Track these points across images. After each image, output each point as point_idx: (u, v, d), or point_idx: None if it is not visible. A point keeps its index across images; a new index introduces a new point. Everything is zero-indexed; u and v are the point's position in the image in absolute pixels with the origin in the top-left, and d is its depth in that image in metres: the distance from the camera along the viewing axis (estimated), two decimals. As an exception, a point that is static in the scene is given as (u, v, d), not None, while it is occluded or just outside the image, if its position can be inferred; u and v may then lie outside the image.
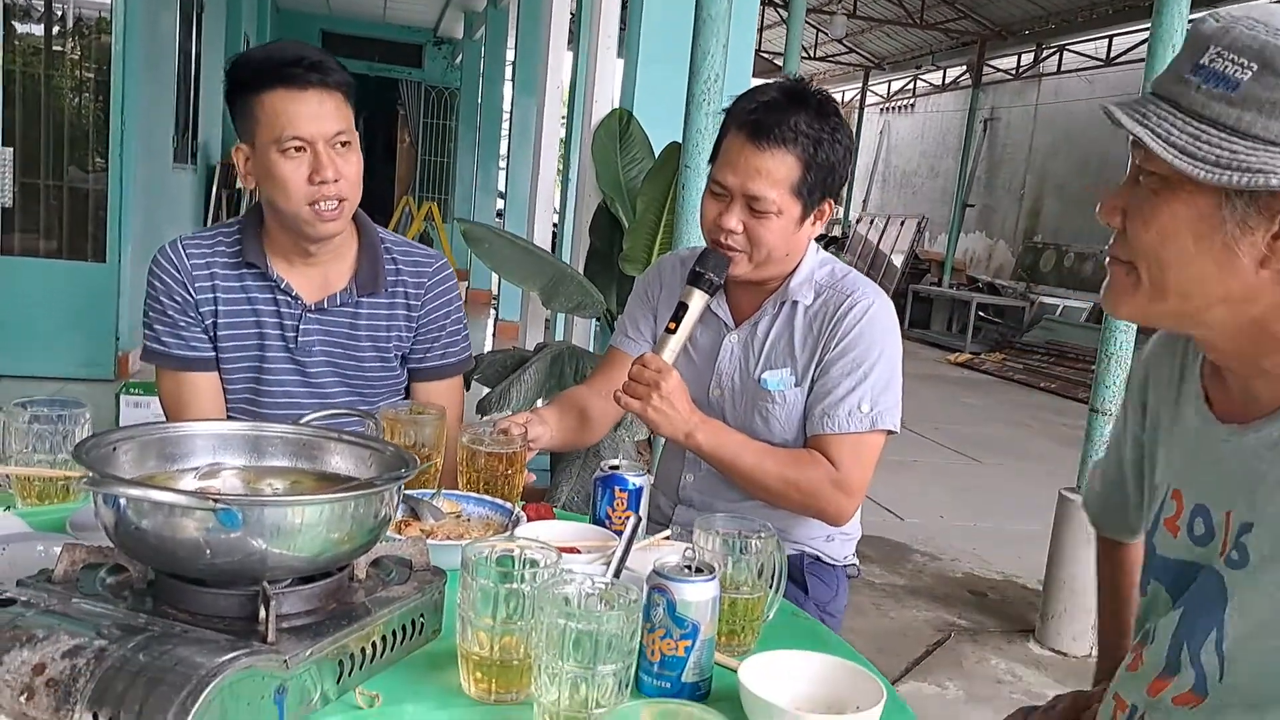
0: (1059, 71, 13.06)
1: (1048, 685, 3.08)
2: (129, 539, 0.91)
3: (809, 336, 1.63)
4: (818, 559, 1.73)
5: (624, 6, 4.04)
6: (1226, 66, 0.82)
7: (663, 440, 2.70)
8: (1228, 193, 0.83)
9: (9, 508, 1.29)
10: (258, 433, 1.09)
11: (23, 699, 0.78)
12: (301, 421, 1.16)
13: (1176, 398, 1.04)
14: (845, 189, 1.71)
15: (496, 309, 8.94)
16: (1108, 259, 0.95)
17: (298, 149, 1.58)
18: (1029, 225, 13.27)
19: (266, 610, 0.87)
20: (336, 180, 1.59)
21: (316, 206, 1.59)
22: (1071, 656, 3.26)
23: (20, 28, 5.32)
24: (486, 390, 3.34)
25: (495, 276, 9.02)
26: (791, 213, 1.56)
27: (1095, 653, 1.41)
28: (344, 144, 1.62)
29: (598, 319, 3.78)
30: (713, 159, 1.63)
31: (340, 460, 1.09)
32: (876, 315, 1.61)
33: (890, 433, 1.61)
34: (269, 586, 0.89)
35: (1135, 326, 3.17)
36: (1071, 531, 3.27)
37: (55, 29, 5.40)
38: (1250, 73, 0.81)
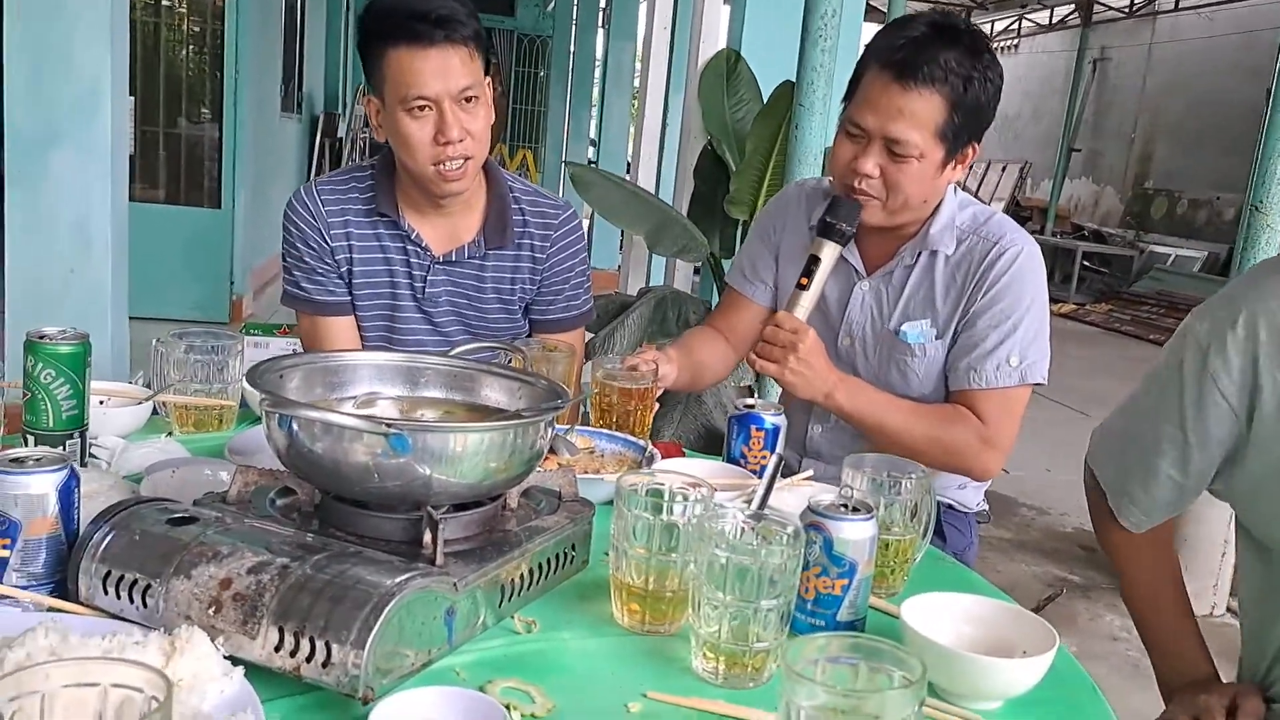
0: (1176, 9, 12.39)
1: (1165, 642, 3.00)
2: (300, 461, 0.93)
3: (952, 287, 1.54)
4: (950, 507, 1.69)
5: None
6: None
7: (770, 385, 2.67)
8: None
9: (170, 434, 1.34)
10: (413, 363, 1.10)
11: (211, 611, 0.81)
12: (453, 353, 1.17)
13: None
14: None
15: (588, 255, 8.96)
16: None
17: (422, 108, 1.55)
18: (1139, 171, 12.72)
19: (435, 534, 0.88)
20: (462, 139, 1.56)
21: (441, 167, 1.57)
22: (1189, 614, 3.17)
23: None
24: (590, 336, 3.36)
25: (588, 224, 9.02)
26: (933, 157, 1.46)
27: (1153, 659, 1.34)
28: (470, 99, 1.58)
29: (701, 263, 3.74)
30: (847, 98, 1.53)
31: (491, 392, 1.10)
32: (1026, 262, 1.52)
33: (1037, 385, 1.55)
34: (434, 511, 0.90)
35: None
36: (1193, 487, 3.16)
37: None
38: None
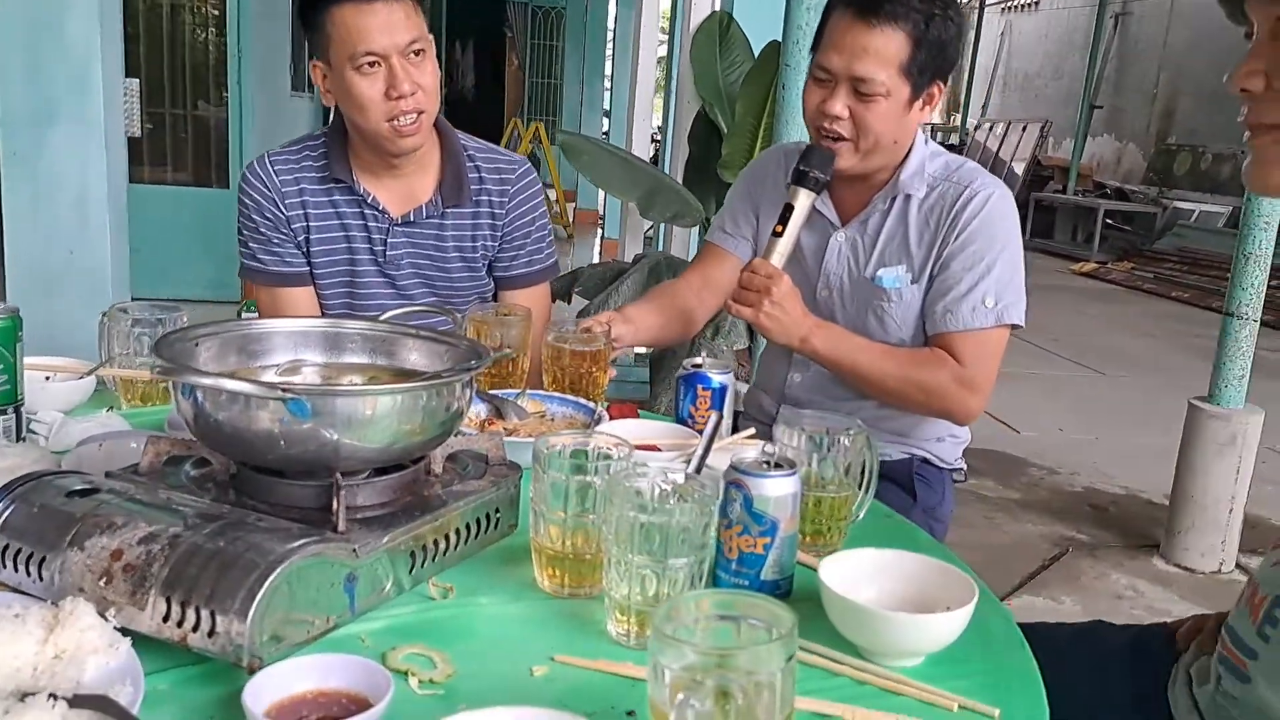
0: (1201, -42, 12.08)
1: (1172, 601, 2.96)
2: (208, 431, 0.92)
3: (925, 231, 1.56)
4: (926, 460, 1.68)
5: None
6: None
7: (763, 343, 2.65)
8: None
9: (111, 408, 1.33)
10: (336, 329, 1.09)
11: (101, 583, 0.80)
12: (382, 318, 1.15)
13: None
14: (954, 71, 1.61)
15: (603, 228, 8.94)
16: (1247, 136, 0.88)
17: (372, 64, 1.55)
18: (1162, 127, 12.46)
19: (337, 500, 0.87)
20: (414, 93, 1.57)
21: (395, 123, 1.57)
22: (1199, 573, 3.12)
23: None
24: (586, 303, 3.34)
25: (601, 196, 8.99)
26: (900, 94, 1.48)
27: None
28: (418, 52, 1.58)
29: (696, 228, 3.71)
30: (814, 47, 1.55)
31: (416, 355, 1.08)
32: (997, 205, 1.53)
33: (1015, 327, 1.54)
34: (340, 477, 0.89)
35: (1276, 226, 2.93)
36: (1202, 444, 3.10)
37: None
38: None
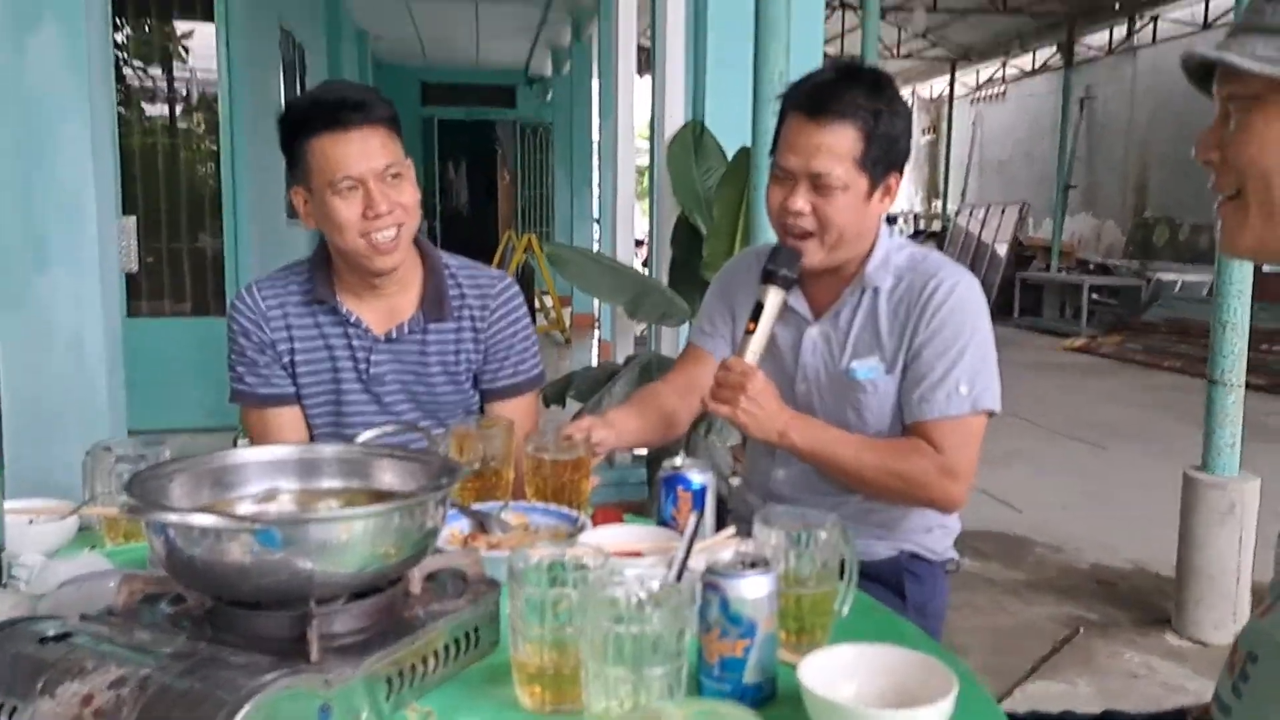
0: (1155, 42, 12.52)
1: (1187, 677, 2.90)
2: (180, 567, 0.92)
3: (895, 321, 1.58)
4: (916, 555, 1.66)
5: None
6: None
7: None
8: None
9: (94, 547, 1.33)
10: (310, 455, 1.10)
11: (76, 728, 0.79)
12: (358, 440, 1.17)
13: None
14: (907, 172, 1.67)
15: (599, 331, 9.04)
16: (1216, 205, 0.94)
17: (350, 188, 1.61)
18: (1137, 201, 12.71)
19: (310, 629, 0.87)
20: (391, 211, 1.62)
21: (371, 238, 1.63)
22: (1213, 646, 3.06)
23: (136, 104, 5.65)
24: (580, 405, 3.35)
25: (595, 300, 9.10)
26: (858, 187, 1.53)
27: None
28: (395, 176, 1.64)
29: (684, 325, 3.76)
30: (773, 149, 1.60)
31: (390, 476, 1.09)
32: (964, 294, 1.56)
33: (991, 413, 1.55)
34: (314, 606, 0.89)
35: (1249, 293, 2.98)
36: (1201, 513, 3.08)
37: (168, 103, 5.73)
38: None
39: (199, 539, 0.89)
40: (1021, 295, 11.92)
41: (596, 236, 11.42)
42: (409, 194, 1.67)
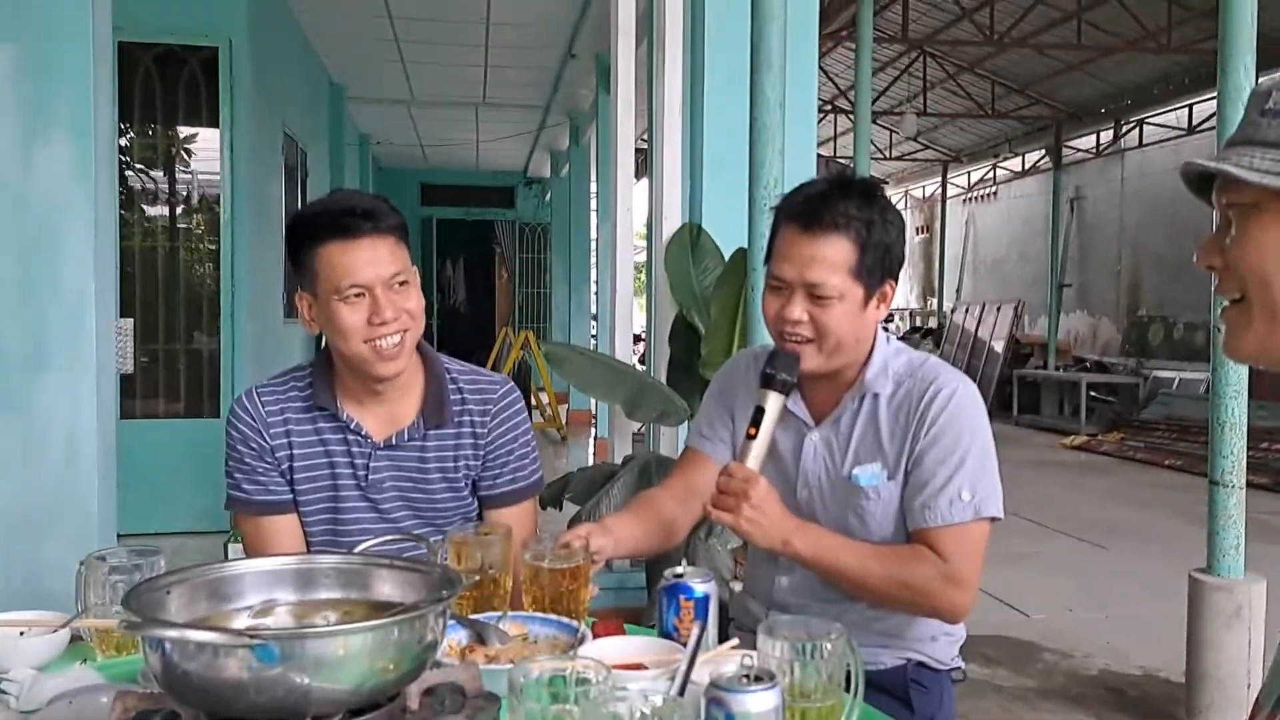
0: (1141, 145, 12.85)
1: (1203, 789, 2.81)
2: (175, 682, 0.90)
3: (896, 427, 1.58)
4: (922, 664, 1.64)
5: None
6: None
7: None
8: None
9: (86, 660, 1.31)
10: (308, 565, 1.09)
11: None
12: (356, 550, 1.16)
13: None
14: (903, 270, 1.69)
15: (596, 427, 9.04)
16: (1220, 310, 0.97)
17: (357, 295, 1.62)
18: (1131, 300, 12.86)
19: (306, 748, 0.85)
20: (396, 318, 1.63)
21: (375, 344, 1.63)
22: (1227, 755, 2.99)
23: (137, 206, 5.74)
24: (578, 509, 3.32)
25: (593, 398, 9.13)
26: (854, 296, 1.54)
27: None
28: (402, 283, 1.66)
29: (683, 425, 3.76)
30: (768, 258, 1.62)
31: (389, 586, 1.08)
32: (963, 400, 1.56)
33: (994, 519, 1.54)
34: (313, 723, 0.87)
35: (1246, 392, 2.99)
36: (1208, 617, 3.04)
37: (169, 205, 5.83)
38: None
39: (195, 654, 0.88)
40: (1020, 393, 11.95)
41: (593, 333, 11.52)
42: (415, 301, 1.68)
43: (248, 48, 5.68)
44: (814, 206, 1.53)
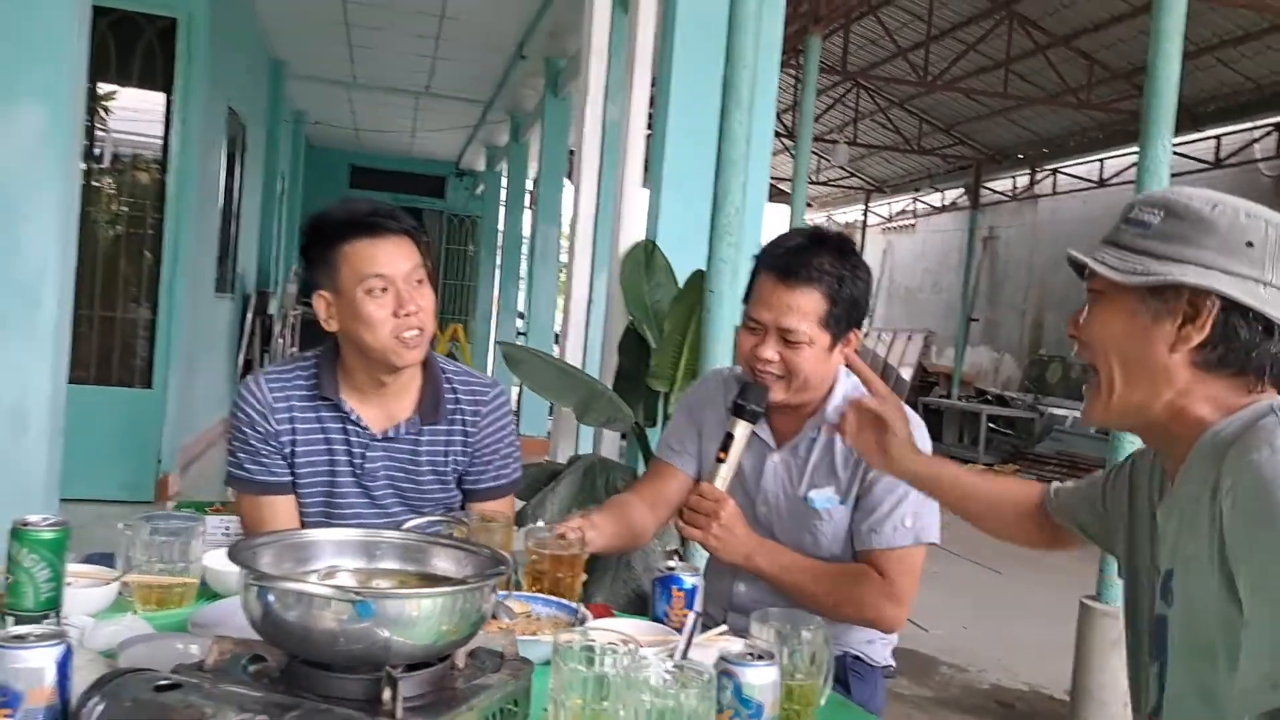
0: (1054, 192, 13.52)
1: (1079, 793, 3.11)
2: (273, 628, 1.05)
3: (850, 457, 1.77)
4: (859, 658, 1.85)
5: (647, 144, 4.34)
6: (1143, 214, 1.15)
7: (698, 549, 2.85)
8: (1143, 295, 1.12)
9: (135, 612, 1.43)
10: (372, 539, 1.24)
11: (200, 766, 0.91)
12: (404, 528, 1.31)
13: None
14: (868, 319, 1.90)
15: (518, 423, 9.17)
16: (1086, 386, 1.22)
17: (383, 289, 1.76)
18: (1033, 338, 13.52)
19: (394, 692, 1.01)
20: (417, 311, 1.78)
21: (401, 335, 1.77)
22: (1101, 765, 3.30)
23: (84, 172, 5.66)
24: (521, 503, 3.47)
25: (515, 393, 9.25)
26: (822, 342, 1.73)
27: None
28: (419, 281, 1.81)
29: (626, 432, 3.93)
30: (746, 299, 1.81)
31: (441, 562, 1.23)
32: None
33: (932, 544, 1.75)
34: (393, 671, 1.03)
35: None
36: (1096, 640, 3.35)
37: (116, 172, 5.75)
38: (1159, 216, 1.13)
39: (294, 603, 1.03)
40: (925, 420, 12.44)
41: (520, 329, 11.62)
42: (429, 299, 1.82)
43: (206, 22, 5.67)
44: (792, 259, 1.72)
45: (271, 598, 1.04)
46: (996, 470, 10.34)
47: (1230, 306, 1.08)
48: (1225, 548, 1.03)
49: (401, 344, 1.77)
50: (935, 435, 12.79)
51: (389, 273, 1.76)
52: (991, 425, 11.56)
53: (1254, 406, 1.10)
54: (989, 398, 12.79)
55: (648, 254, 4.00)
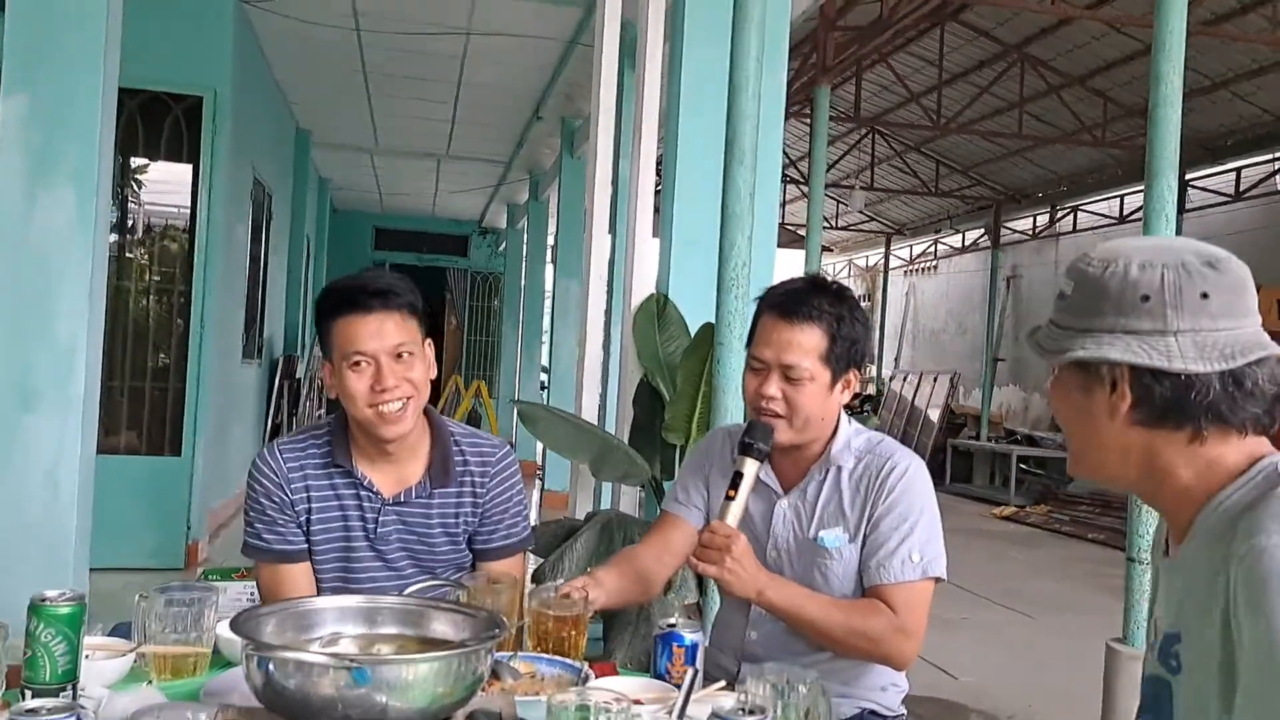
0: (1075, 230, 13.50)
1: (1113, 843, 3.05)
2: (274, 696, 1.09)
3: (856, 497, 1.82)
4: (874, 712, 1.85)
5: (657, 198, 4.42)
6: (1065, 286, 1.15)
7: (717, 603, 2.86)
8: (1073, 370, 1.12)
9: (150, 682, 1.47)
10: (372, 604, 1.29)
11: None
12: (405, 593, 1.35)
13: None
14: (868, 361, 1.95)
15: (543, 479, 9.21)
16: None
17: (365, 363, 1.81)
18: (1062, 377, 13.39)
19: (390, 755, 1.04)
20: (397, 386, 1.81)
21: (378, 409, 1.81)
22: (1136, 813, 3.23)
23: (114, 246, 5.81)
24: (539, 560, 3.50)
25: (540, 448, 9.30)
26: (822, 379, 1.79)
27: None
28: (408, 354, 1.84)
29: (642, 486, 3.96)
30: (749, 342, 1.88)
31: (440, 625, 1.27)
32: (915, 475, 1.82)
33: (939, 580, 1.78)
34: (390, 736, 1.06)
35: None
36: (1123, 685, 3.29)
37: (144, 243, 5.90)
38: (1071, 287, 1.14)
39: (294, 672, 1.07)
40: (953, 462, 12.37)
41: (543, 384, 11.71)
42: (419, 371, 1.86)
43: (230, 98, 5.85)
44: (793, 299, 1.80)
45: (271, 666, 1.08)
46: (1029, 510, 10.22)
47: (1138, 367, 1.06)
48: (1230, 626, 1.00)
49: (380, 418, 1.82)
50: (965, 477, 12.71)
51: (369, 349, 1.81)
52: (1022, 466, 11.45)
53: (1261, 468, 1.06)
54: (1018, 438, 12.68)
55: (660, 306, 4.06)
